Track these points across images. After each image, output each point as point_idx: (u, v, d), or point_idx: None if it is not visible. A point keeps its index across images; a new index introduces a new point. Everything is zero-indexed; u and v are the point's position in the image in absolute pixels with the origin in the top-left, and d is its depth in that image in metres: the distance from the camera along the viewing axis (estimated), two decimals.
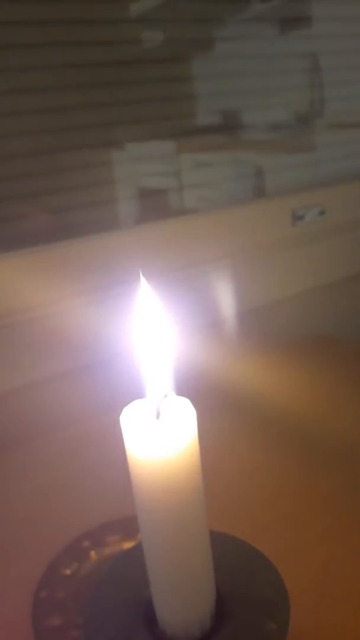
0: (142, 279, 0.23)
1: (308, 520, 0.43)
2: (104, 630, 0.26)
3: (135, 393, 0.23)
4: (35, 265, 0.64)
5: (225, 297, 0.75)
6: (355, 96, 0.93)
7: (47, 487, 0.50)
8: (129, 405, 0.24)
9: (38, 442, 0.56)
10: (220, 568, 0.26)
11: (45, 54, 0.66)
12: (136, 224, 0.78)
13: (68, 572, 0.39)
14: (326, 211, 0.84)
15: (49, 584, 0.39)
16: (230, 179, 0.86)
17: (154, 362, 0.23)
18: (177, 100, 0.78)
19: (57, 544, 0.42)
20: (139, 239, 0.71)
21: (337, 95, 0.91)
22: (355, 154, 0.94)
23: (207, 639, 0.26)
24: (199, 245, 0.74)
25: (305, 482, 0.47)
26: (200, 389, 0.35)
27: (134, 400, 0.24)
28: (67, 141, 0.70)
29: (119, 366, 0.36)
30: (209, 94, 0.80)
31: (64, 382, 0.64)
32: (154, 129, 0.76)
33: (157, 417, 0.23)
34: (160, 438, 0.22)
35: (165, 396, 0.23)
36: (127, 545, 0.41)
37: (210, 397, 0.53)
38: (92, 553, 0.41)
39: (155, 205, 0.80)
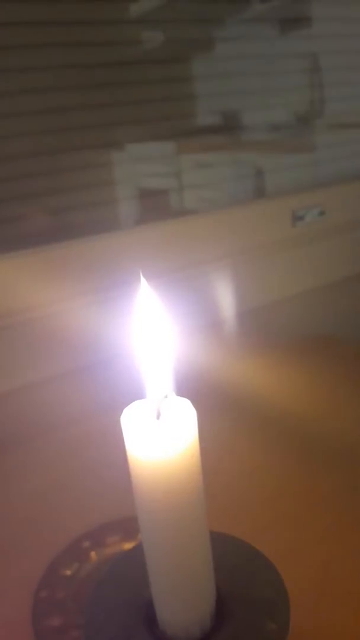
0: (142, 279, 0.23)
1: (308, 520, 0.43)
2: (104, 631, 0.26)
3: (135, 393, 0.23)
4: (36, 266, 0.64)
5: (225, 298, 0.75)
6: (355, 96, 0.93)
7: (47, 487, 0.50)
8: (129, 406, 0.24)
9: (38, 442, 0.56)
10: (220, 568, 0.26)
11: (46, 55, 0.66)
12: (136, 224, 0.78)
13: (68, 572, 0.39)
14: (326, 211, 0.84)
15: (49, 584, 0.39)
16: (231, 179, 0.86)
17: (154, 363, 0.23)
18: (177, 101, 0.78)
19: (57, 544, 0.42)
20: (139, 239, 0.71)
21: (337, 96, 0.91)
22: (355, 154, 0.94)
23: (208, 639, 0.26)
24: (199, 246, 0.74)
25: (305, 482, 0.47)
26: (200, 390, 0.35)
27: (134, 400, 0.24)
28: (67, 142, 0.70)
29: (119, 366, 0.36)
30: (209, 94, 0.80)
31: (64, 383, 0.64)
32: (154, 130, 0.76)
33: (158, 417, 0.23)
34: (160, 438, 0.22)
35: (166, 397, 0.23)
36: (128, 545, 0.41)
37: (211, 397, 0.53)
38: (93, 553, 0.41)
39: (156, 206, 0.80)
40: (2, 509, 0.48)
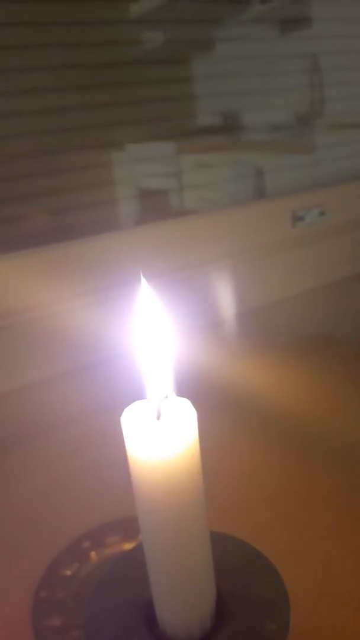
0: (143, 279, 0.23)
1: (308, 520, 0.43)
2: (104, 631, 0.26)
3: (135, 394, 0.23)
4: (36, 266, 0.64)
5: (225, 298, 0.75)
6: (355, 96, 0.93)
7: (47, 487, 0.50)
8: (129, 406, 0.24)
9: (38, 442, 0.56)
10: (220, 568, 0.26)
11: (46, 55, 0.66)
12: (136, 224, 0.78)
13: (68, 572, 0.39)
14: (326, 212, 0.84)
15: (49, 585, 0.39)
16: (231, 179, 0.86)
17: (155, 363, 0.23)
18: (178, 101, 0.78)
19: (57, 544, 0.42)
20: (139, 239, 0.71)
21: (337, 96, 0.91)
22: (355, 154, 0.94)
23: (208, 639, 0.26)
24: (199, 246, 0.74)
25: (305, 482, 0.47)
26: (200, 390, 0.35)
27: (134, 400, 0.24)
28: (67, 142, 0.70)
29: (119, 367, 0.36)
30: (209, 94, 0.80)
31: (64, 383, 0.64)
32: (154, 130, 0.76)
33: (158, 417, 0.23)
34: (160, 439, 0.22)
35: (166, 397, 0.23)
36: (128, 545, 0.41)
37: (211, 397, 0.53)
38: (93, 553, 0.41)
39: (156, 206, 0.80)
40: (2, 509, 0.48)
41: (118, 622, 0.26)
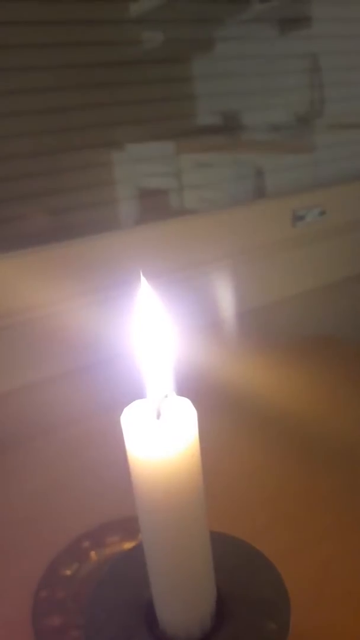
0: (143, 279, 0.23)
1: (308, 520, 0.43)
2: (104, 631, 0.26)
3: (135, 393, 0.23)
4: (36, 266, 0.64)
5: (225, 298, 0.75)
6: (355, 97, 0.93)
7: (47, 487, 0.50)
8: (129, 406, 0.24)
9: (38, 442, 0.56)
10: (220, 568, 0.26)
11: (46, 55, 0.66)
12: (136, 224, 0.78)
13: (68, 572, 0.39)
14: (326, 212, 0.84)
15: (49, 584, 0.39)
16: (231, 179, 0.86)
17: (155, 363, 0.23)
18: (177, 101, 0.78)
19: (57, 544, 0.42)
20: (139, 239, 0.71)
21: (337, 96, 0.91)
22: (356, 154, 0.94)
23: (208, 639, 0.26)
24: (199, 246, 0.74)
25: (305, 482, 0.47)
26: (200, 389, 0.35)
27: (134, 400, 0.24)
28: (67, 142, 0.70)
29: (119, 366, 0.36)
30: (209, 94, 0.80)
31: (64, 383, 0.64)
32: (154, 130, 0.76)
33: (158, 417, 0.23)
34: (160, 438, 0.22)
35: (166, 396, 0.23)
36: (128, 545, 0.41)
37: (211, 397, 0.53)
38: (93, 553, 0.41)
39: (156, 206, 0.80)
40: (2, 509, 0.48)
41: (118, 622, 0.26)
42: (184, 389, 0.24)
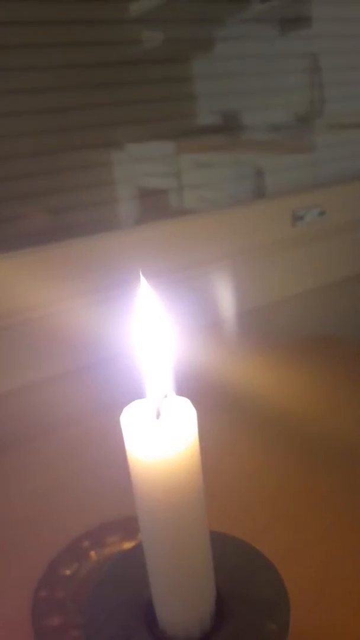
0: (142, 279, 0.23)
1: (308, 520, 0.43)
2: (104, 631, 0.26)
3: (135, 393, 0.23)
4: (36, 266, 0.64)
5: (225, 298, 0.75)
6: (355, 96, 0.93)
7: (47, 487, 0.50)
8: (129, 406, 0.24)
9: (38, 442, 0.56)
10: (220, 568, 0.26)
11: (46, 54, 0.66)
12: (136, 224, 0.78)
13: (68, 572, 0.39)
14: (326, 212, 0.84)
15: (49, 584, 0.39)
16: (231, 179, 0.86)
17: (154, 362, 0.23)
18: (177, 101, 0.78)
19: (57, 544, 0.42)
20: (139, 239, 0.71)
21: (337, 96, 0.91)
22: (355, 154, 0.94)
23: (207, 639, 0.26)
24: (199, 246, 0.74)
25: (305, 482, 0.47)
26: (200, 389, 0.35)
27: (134, 400, 0.24)
28: (67, 141, 0.70)
29: (119, 366, 0.36)
30: (209, 94, 0.80)
31: (64, 382, 0.64)
32: (154, 130, 0.76)
33: (158, 417, 0.23)
34: (160, 438, 0.22)
35: (166, 396, 0.23)
36: (127, 545, 0.41)
37: (211, 397, 0.53)
38: (92, 553, 0.41)
39: (156, 206, 0.80)
40: (2, 509, 0.48)
41: (118, 621, 0.26)
42: (183, 389, 0.24)
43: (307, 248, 0.83)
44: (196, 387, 0.32)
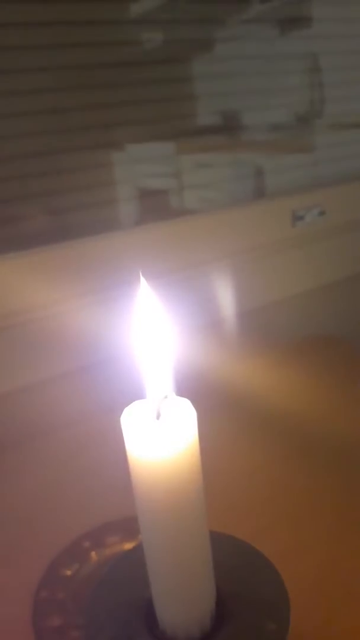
0: (142, 279, 0.23)
1: (308, 520, 0.43)
2: (104, 631, 0.26)
3: (135, 394, 0.23)
4: (36, 266, 0.64)
5: (225, 298, 0.75)
6: (355, 97, 0.93)
7: (47, 487, 0.50)
8: (129, 406, 0.24)
9: (38, 443, 0.56)
10: (220, 568, 0.26)
11: (45, 55, 0.66)
12: (136, 225, 0.78)
13: (68, 572, 0.40)
14: (326, 212, 0.84)
15: (49, 585, 0.39)
16: (231, 179, 0.86)
17: (154, 363, 0.23)
18: (177, 101, 0.78)
19: (57, 544, 0.42)
20: (139, 239, 0.71)
21: (337, 96, 0.91)
22: (355, 154, 0.94)
23: (208, 639, 0.26)
24: (199, 246, 0.74)
25: (305, 482, 0.47)
26: (200, 390, 0.35)
27: (134, 400, 0.24)
28: (67, 142, 0.70)
29: (119, 367, 0.36)
30: (209, 94, 0.80)
31: (64, 383, 0.64)
32: (154, 130, 0.76)
33: (158, 417, 0.23)
34: (160, 438, 0.22)
35: (166, 397, 0.23)
36: (128, 545, 0.41)
37: (211, 397, 0.53)
38: (93, 553, 0.41)
39: (156, 206, 0.80)
40: (2, 509, 0.48)
41: (118, 622, 0.26)
42: (183, 390, 0.24)
43: (307, 248, 0.83)
44: (196, 388, 0.32)
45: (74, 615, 0.36)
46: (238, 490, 0.47)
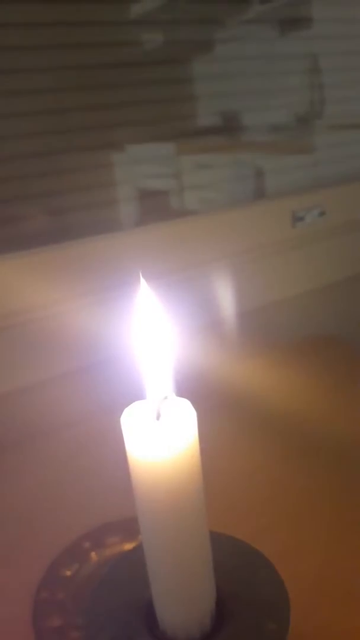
0: (143, 280, 0.23)
1: (308, 520, 0.43)
2: (104, 631, 0.26)
3: (135, 394, 0.23)
4: (36, 267, 0.64)
5: (225, 298, 0.75)
6: (355, 97, 0.93)
7: (47, 487, 0.50)
8: (129, 407, 0.24)
9: (38, 443, 0.56)
10: (220, 568, 0.26)
11: (46, 56, 0.66)
12: (136, 225, 0.78)
13: (68, 573, 0.40)
14: (326, 212, 0.84)
15: (49, 585, 0.39)
16: (231, 180, 0.86)
17: (154, 364, 0.23)
18: (177, 102, 0.78)
19: (57, 544, 0.42)
20: (139, 240, 0.71)
21: (337, 97, 0.91)
22: (355, 155, 0.94)
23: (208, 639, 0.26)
24: (199, 247, 0.74)
25: (305, 482, 0.47)
26: (200, 390, 0.35)
27: (134, 401, 0.24)
28: (67, 142, 0.70)
29: (119, 367, 0.36)
30: (209, 95, 0.80)
31: (64, 384, 0.64)
32: (155, 131, 0.76)
33: (158, 418, 0.23)
34: (160, 439, 0.22)
35: (166, 397, 0.23)
36: (128, 546, 0.41)
37: (211, 397, 0.53)
38: (93, 554, 0.41)
39: (156, 207, 0.80)
40: (2, 509, 0.48)
41: (118, 622, 0.26)
42: (183, 390, 0.24)
43: (307, 248, 0.83)
44: (196, 388, 0.32)
45: (74, 615, 0.36)
46: (238, 490, 0.47)
